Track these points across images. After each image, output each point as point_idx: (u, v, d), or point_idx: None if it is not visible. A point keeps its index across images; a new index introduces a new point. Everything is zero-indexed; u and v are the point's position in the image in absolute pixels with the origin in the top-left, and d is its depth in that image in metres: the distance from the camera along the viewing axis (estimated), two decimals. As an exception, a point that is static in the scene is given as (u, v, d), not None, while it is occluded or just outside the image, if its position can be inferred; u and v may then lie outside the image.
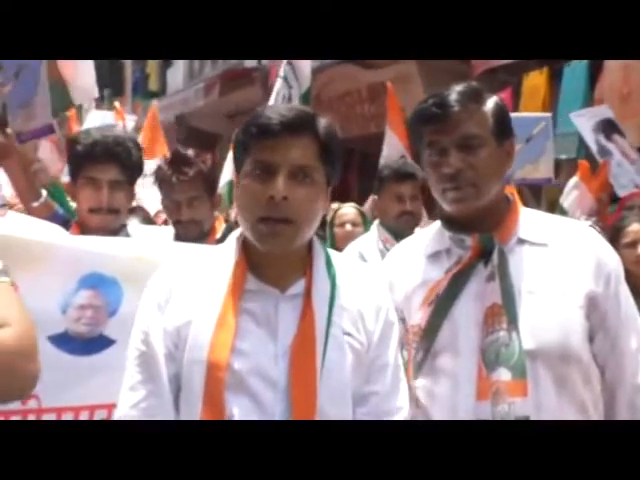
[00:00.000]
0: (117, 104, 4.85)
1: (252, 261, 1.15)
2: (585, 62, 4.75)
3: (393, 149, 4.02)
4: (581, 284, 1.28)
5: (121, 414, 1.12)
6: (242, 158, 1.14)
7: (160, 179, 2.02)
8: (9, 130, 1.72)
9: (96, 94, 3.57)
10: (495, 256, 1.28)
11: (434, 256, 1.36)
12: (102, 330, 1.54)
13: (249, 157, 1.13)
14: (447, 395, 1.27)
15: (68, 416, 1.51)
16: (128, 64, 9.64)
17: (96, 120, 3.53)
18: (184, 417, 1.11)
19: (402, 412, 1.18)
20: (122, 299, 1.56)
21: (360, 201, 4.05)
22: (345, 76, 7.38)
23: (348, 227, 3.12)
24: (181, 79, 12.35)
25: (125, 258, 1.59)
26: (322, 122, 1.14)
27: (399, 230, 2.39)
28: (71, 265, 1.53)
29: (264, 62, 9.28)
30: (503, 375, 1.21)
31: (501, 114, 1.32)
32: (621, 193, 3.86)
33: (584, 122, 3.98)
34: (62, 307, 1.51)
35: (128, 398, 1.12)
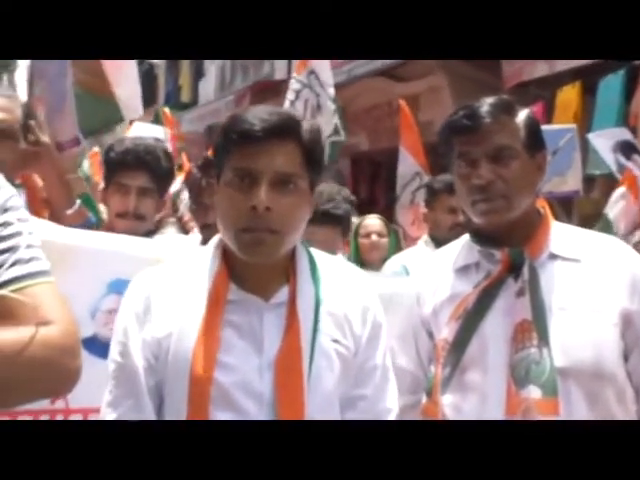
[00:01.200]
0: (167, 110, 4.88)
1: (233, 270, 1.10)
2: (620, 75, 4.67)
3: (407, 167, 4.04)
4: (615, 301, 1.25)
5: None
6: (222, 164, 1.09)
7: (190, 184, 2.07)
8: (45, 138, 1.76)
9: (141, 111, 3.65)
10: (525, 271, 1.26)
11: (463, 270, 1.34)
12: None
13: (229, 163, 1.07)
14: (475, 411, 1.25)
15: (94, 417, 1.49)
16: (161, 75, 9.84)
17: (141, 132, 3.59)
18: None
19: (391, 414, 1.15)
20: None
21: (387, 213, 4.06)
22: (374, 89, 7.40)
23: (374, 237, 3.13)
24: (212, 90, 12.54)
25: (149, 261, 1.62)
26: (306, 126, 1.09)
27: (450, 242, 2.38)
28: (99, 269, 1.55)
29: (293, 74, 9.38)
30: (533, 392, 1.19)
31: (533, 126, 1.31)
32: None
33: (602, 142, 3.94)
34: (91, 311, 1.53)
35: (109, 414, 1.09)
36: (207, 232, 2.01)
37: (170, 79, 14.11)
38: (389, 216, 3.82)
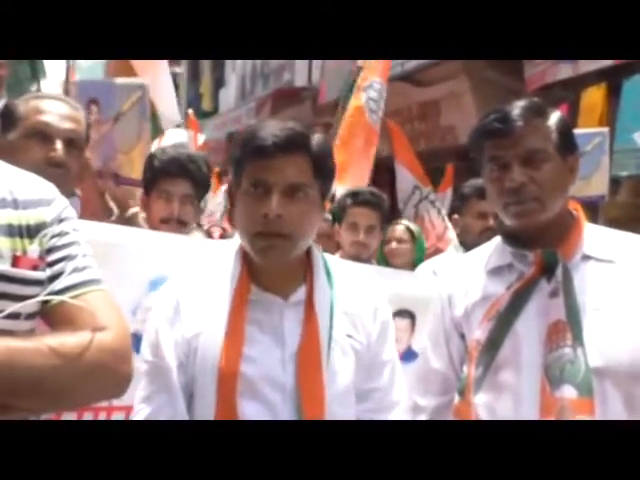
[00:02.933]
0: (190, 111, 4.93)
1: (254, 272, 1.20)
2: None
3: (406, 182, 4.10)
4: None
5: None
6: (238, 175, 1.19)
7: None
8: (86, 153, 1.83)
9: (179, 120, 3.70)
10: (559, 272, 1.26)
11: (495, 271, 1.35)
12: None
13: (245, 174, 1.17)
14: (509, 412, 1.24)
15: (120, 415, 1.53)
16: (183, 84, 9.98)
17: (170, 138, 3.65)
18: None
19: (399, 406, 1.25)
20: None
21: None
22: (395, 94, 7.38)
23: (393, 245, 3.12)
24: (233, 99, 12.66)
25: (191, 260, 1.64)
26: (315, 139, 1.18)
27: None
28: (142, 267, 1.58)
29: (314, 81, 9.42)
30: (568, 392, 1.18)
31: (565, 129, 1.31)
32: None
33: None
34: (133, 309, 1.57)
35: (143, 410, 1.16)
36: None
37: (191, 88, 14.28)
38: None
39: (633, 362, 1.21)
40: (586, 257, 1.30)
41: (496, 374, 1.27)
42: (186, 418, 1.14)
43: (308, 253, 1.22)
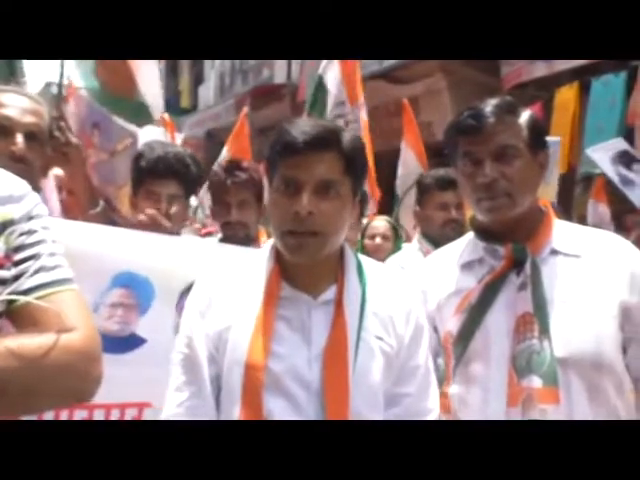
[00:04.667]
0: (166, 116, 4.88)
1: (285, 269, 1.20)
2: (619, 76, 4.71)
3: (410, 169, 3.93)
4: (615, 294, 1.29)
5: (168, 413, 1.18)
6: (272, 173, 1.19)
7: (214, 183, 2.10)
8: (75, 139, 1.80)
9: (163, 110, 3.68)
10: (528, 266, 1.29)
11: (467, 266, 1.38)
12: (134, 329, 1.56)
13: (277, 173, 1.17)
14: (478, 402, 1.28)
15: (99, 413, 1.53)
16: (161, 81, 9.89)
17: (147, 135, 3.63)
18: (224, 415, 1.15)
19: (433, 414, 1.22)
20: (154, 298, 1.57)
21: (382, 214, 4.05)
22: (373, 91, 7.42)
23: (378, 240, 3.12)
24: (212, 96, 12.58)
25: (157, 257, 1.60)
26: (347, 136, 1.17)
27: (444, 239, 2.35)
28: (104, 263, 1.55)
29: (293, 78, 9.42)
30: (534, 382, 1.22)
31: (535, 126, 1.35)
32: None
33: (602, 156, 3.94)
34: (95, 305, 1.54)
35: (174, 398, 1.19)
36: (229, 229, 2.06)
37: (170, 85, 14.15)
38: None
39: (596, 353, 1.25)
40: (554, 252, 1.34)
41: (467, 366, 1.30)
42: (214, 409, 1.16)
43: (341, 252, 1.22)
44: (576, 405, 1.24)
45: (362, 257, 1.26)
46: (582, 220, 4.27)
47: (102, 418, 1.52)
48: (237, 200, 2.04)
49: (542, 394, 1.22)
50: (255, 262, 1.24)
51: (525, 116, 1.34)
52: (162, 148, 1.97)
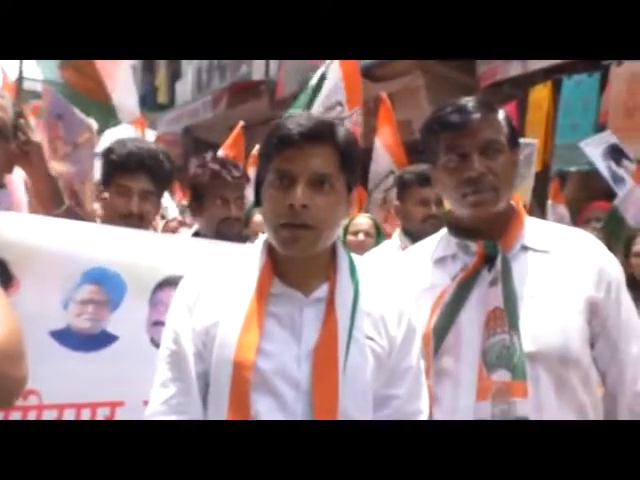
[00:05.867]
0: (139, 115, 4.81)
1: (277, 265, 1.18)
2: (592, 75, 4.79)
3: (382, 165, 3.91)
4: (582, 290, 1.31)
5: (153, 409, 1.16)
6: (266, 167, 1.17)
7: (209, 177, 2.07)
8: (36, 137, 1.77)
9: (138, 113, 3.63)
10: (498, 262, 1.31)
11: (440, 261, 1.40)
12: (105, 326, 1.53)
13: (271, 166, 1.15)
14: (449, 396, 1.30)
15: (70, 413, 1.48)
16: (137, 77, 9.73)
17: (116, 132, 3.58)
18: (211, 413, 1.14)
19: (423, 415, 1.21)
20: (125, 294, 1.53)
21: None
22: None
23: (360, 236, 3.11)
24: (189, 92, 12.47)
25: (128, 252, 1.57)
26: (341, 130, 1.17)
27: (423, 235, 2.37)
28: (74, 259, 1.51)
29: (271, 75, 9.39)
30: (503, 376, 1.24)
31: (511, 124, 1.38)
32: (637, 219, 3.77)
33: (593, 150, 3.94)
34: (64, 302, 1.50)
35: (159, 394, 1.16)
36: (226, 225, 2.05)
37: (147, 80, 14.00)
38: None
39: (563, 347, 1.28)
40: (525, 248, 1.36)
41: (438, 361, 1.32)
42: (200, 407, 1.14)
43: (333, 250, 1.20)
44: (544, 398, 1.26)
45: (354, 256, 1.24)
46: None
47: (72, 418, 1.48)
48: (234, 196, 2.05)
49: (511, 387, 1.23)
50: (247, 257, 1.22)
51: (502, 114, 1.37)
52: (133, 143, 1.94)
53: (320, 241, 1.14)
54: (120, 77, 3.27)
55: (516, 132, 1.41)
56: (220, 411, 1.10)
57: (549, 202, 4.40)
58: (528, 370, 1.24)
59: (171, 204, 4.97)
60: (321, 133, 1.14)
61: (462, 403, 1.28)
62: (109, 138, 3.67)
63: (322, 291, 1.17)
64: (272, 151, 1.15)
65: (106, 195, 1.88)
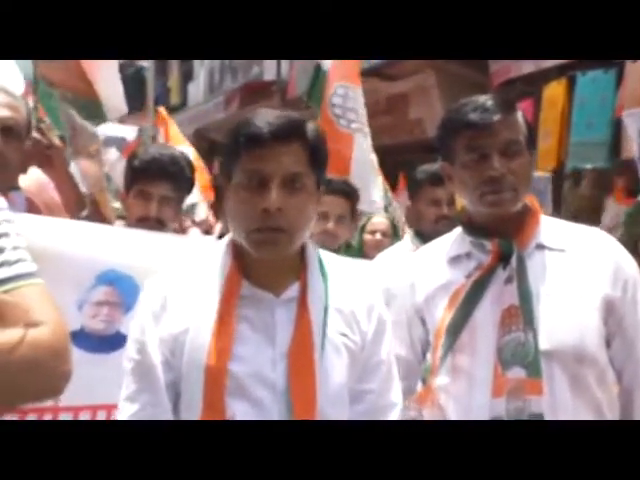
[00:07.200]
0: (162, 110, 4.75)
1: (245, 267, 1.14)
2: (608, 72, 4.73)
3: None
4: (598, 288, 1.31)
5: None
6: (232, 167, 1.12)
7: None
8: (57, 141, 1.79)
9: (125, 110, 3.64)
10: (514, 260, 1.31)
11: (455, 260, 1.40)
12: (119, 327, 1.54)
13: (239, 166, 1.10)
14: (464, 393, 1.30)
15: (85, 415, 1.50)
16: (150, 78, 9.80)
17: (110, 132, 3.57)
18: None
19: (396, 408, 1.20)
20: (139, 296, 1.57)
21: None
22: (363, 88, 7.45)
23: (378, 236, 3.11)
24: (201, 93, 12.53)
25: (142, 254, 1.59)
26: (310, 127, 1.13)
27: (435, 236, 2.35)
28: (89, 261, 1.53)
29: (283, 75, 9.41)
30: (518, 373, 1.24)
31: (528, 123, 1.38)
32: None
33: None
34: (79, 303, 1.51)
35: (126, 409, 1.12)
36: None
37: (159, 82, 14.08)
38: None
39: (579, 345, 1.27)
40: (540, 246, 1.36)
41: (453, 359, 1.32)
42: (171, 418, 1.10)
43: (302, 248, 1.17)
44: (559, 396, 1.26)
45: (321, 251, 1.22)
46: (572, 214, 4.29)
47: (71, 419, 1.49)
48: None
49: (526, 385, 1.23)
50: (209, 260, 1.17)
51: (520, 115, 1.37)
52: (157, 150, 1.98)
53: (294, 243, 1.12)
54: (105, 73, 3.25)
55: (533, 132, 1.41)
56: (193, 419, 1.07)
57: (610, 201, 4.29)
58: (543, 368, 1.24)
59: (202, 205, 4.97)
60: (291, 131, 1.10)
61: (477, 400, 1.28)
62: (105, 131, 3.66)
63: (293, 291, 1.14)
64: (240, 150, 1.10)
65: (129, 200, 1.91)
